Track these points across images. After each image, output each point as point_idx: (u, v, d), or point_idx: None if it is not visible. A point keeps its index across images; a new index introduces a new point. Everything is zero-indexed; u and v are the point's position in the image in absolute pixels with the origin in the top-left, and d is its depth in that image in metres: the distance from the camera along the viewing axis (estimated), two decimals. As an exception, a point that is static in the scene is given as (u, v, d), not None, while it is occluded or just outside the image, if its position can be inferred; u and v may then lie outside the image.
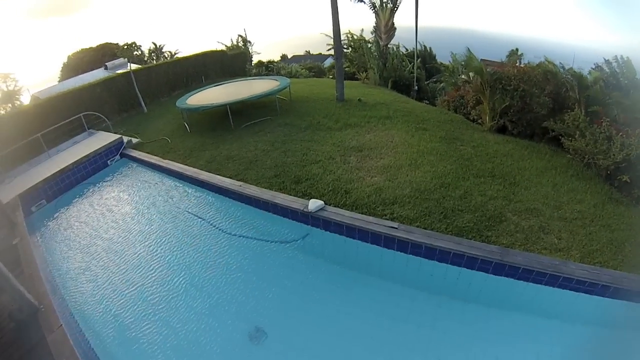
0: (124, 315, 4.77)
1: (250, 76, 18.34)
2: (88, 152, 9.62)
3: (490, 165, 7.15)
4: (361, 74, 17.11)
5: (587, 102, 8.26)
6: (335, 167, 7.03)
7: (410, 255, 4.97)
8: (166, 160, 9.01)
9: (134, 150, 10.23)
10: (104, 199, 8.28)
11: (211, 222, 6.54)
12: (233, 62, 20.66)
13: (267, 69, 22.87)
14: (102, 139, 10.51)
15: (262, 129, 9.80)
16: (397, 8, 16.74)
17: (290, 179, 6.90)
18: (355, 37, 19.73)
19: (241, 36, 23.05)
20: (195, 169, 8.15)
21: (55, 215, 7.91)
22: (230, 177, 7.44)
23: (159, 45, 33.48)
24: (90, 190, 8.86)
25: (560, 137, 8.19)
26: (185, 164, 8.54)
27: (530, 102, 9.33)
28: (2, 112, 21.72)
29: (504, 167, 7.10)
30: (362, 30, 19.40)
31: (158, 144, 10.34)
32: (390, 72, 16.29)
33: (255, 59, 23.62)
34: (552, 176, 6.68)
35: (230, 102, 10.63)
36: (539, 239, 4.94)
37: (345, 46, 20.61)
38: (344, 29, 19.16)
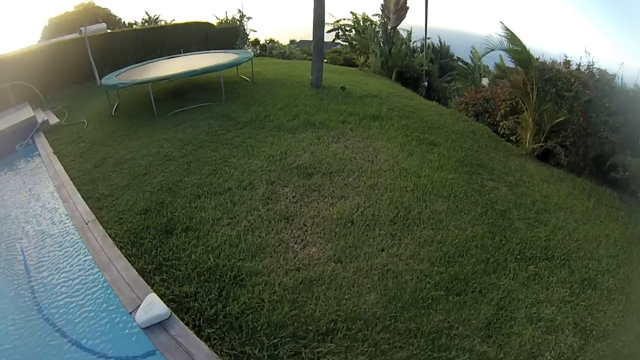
0: None
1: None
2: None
3: (543, 231, 3.86)
4: (359, 58, 13.59)
5: None
6: (245, 210, 3.70)
7: None
8: (53, 157, 5.94)
9: (44, 136, 7.19)
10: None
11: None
12: (220, 36, 17.91)
13: (262, 48, 20.58)
14: (17, 117, 7.75)
15: (189, 120, 6.49)
16: (412, -19, 13.29)
17: (159, 227, 3.57)
18: (359, 17, 16.02)
19: (240, 10, 20.27)
20: (64, 177, 4.91)
21: None
22: (91, 200, 4.17)
23: (153, 16, 29.93)
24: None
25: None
26: (69, 166, 5.39)
27: (596, 120, 6.01)
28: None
29: (566, 237, 3.88)
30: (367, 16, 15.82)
31: (75, 128, 7.29)
32: (396, 60, 12.82)
33: (252, 37, 21.42)
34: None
35: (155, 79, 7.30)
36: None
37: (347, 27, 16.98)
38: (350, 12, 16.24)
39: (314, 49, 8.03)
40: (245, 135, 5.54)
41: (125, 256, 3.31)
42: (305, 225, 3.44)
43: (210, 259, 3.13)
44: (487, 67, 15.51)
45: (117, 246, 3.46)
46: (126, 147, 5.82)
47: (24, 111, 8.31)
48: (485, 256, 3.36)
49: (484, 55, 6.51)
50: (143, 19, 31.85)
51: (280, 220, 3.52)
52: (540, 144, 6.26)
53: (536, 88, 6.13)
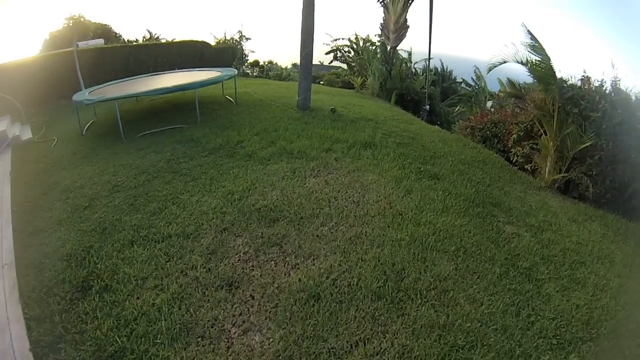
0: None
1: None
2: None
3: (582, 297, 2.91)
4: (356, 79, 12.88)
5: None
6: (179, 269, 2.80)
7: None
8: (7, 178, 5.25)
9: (11, 152, 6.51)
10: None
11: None
12: (217, 56, 17.50)
13: (261, 69, 20.55)
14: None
15: (155, 144, 5.67)
16: (412, 1, 12.76)
17: (75, 281, 2.76)
18: (359, 37, 15.44)
19: (240, 32, 19.93)
20: (6, 204, 4.20)
21: None
22: (22, 234, 3.31)
23: (155, 34, 30.05)
24: None
25: None
26: (18, 189, 4.73)
27: (627, 144, 5.12)
28: None
29: (611, 301, 2.97)
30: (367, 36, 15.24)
31: (43, 146, 6.59)
32: (395, 82, 12.08)
33: (252, 58, 21.04)
34: None
35: (122, 96, 6.60)
36: None
37: (346, 48, 16.41)
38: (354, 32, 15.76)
39: (301, 66, 7.26)
40: (209, 164, 4.64)
41: (25, 319, 2.45)
42: (253, 298, 2.46)
43: (118, 339, 2.19)
44: (490, 90, 14.83)
45: (22, 303, 2.59)
46: (81, 172, 5.00)
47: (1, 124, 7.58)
48: (509, 346, 2.34)
49: (493, 68, 5.63)
50: (144, 37, 31.99)
51: (221, 288, 2.55)
52: (562, 175, 5.29)
53: (557, 108, 5.22)
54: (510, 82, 5.48)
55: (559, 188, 5.52)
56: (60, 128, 7.65)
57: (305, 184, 4.00)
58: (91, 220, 3.63)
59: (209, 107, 7.62)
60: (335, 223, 3.30)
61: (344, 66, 17.45)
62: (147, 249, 3.04)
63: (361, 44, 14.92)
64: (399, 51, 13.60)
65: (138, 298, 2.54)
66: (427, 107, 11.87)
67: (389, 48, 13.37)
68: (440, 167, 4.84)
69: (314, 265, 2.72)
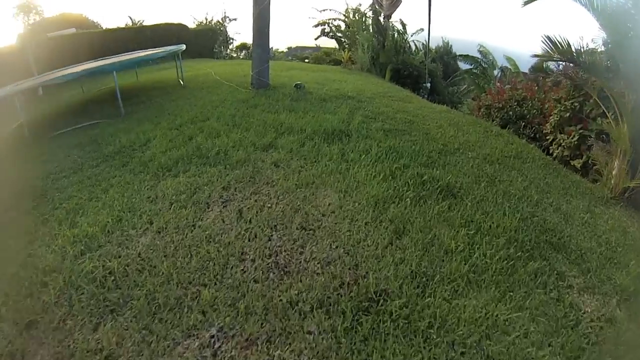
0: None
1: (218, 58, 14.88)
2: None
3: None
4: (344, 52, 10.78)
5: None
6: None
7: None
8: None
9: None
10: None
11: None
12: (195, 39, 15.75)
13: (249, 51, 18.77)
14: None
15: (54, 149, 4.16)
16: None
17: None
18: (349, 8, 12.99)
19: (224, 12, 18.43)
20: None
21: None
22: None
23: (138, 21, 27.67)
24: None
25: None
26: None
27: None
28: None
29: None
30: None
31: None
32: (390, 55, 9.98)
33: (239, 41, 19.42)
34: None
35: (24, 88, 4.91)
36: None
37: (336, 21, 13.92)
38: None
39: (254, 29, 5.22)
40: (87, 181, 2.92)
41: None
42: None
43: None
44: (501, 65, 12.68)
45: None
46: None
47: None
48: None
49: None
50: (127, 24, 29.75)
51: None
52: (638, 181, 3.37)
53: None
54: (553, 43, 3.51)
55: (630, 199, 3.60)
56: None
57: (200, 220, 2.09)
58: None
59: (148, 94, 5.76)
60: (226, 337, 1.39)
61: (334, 43, 15.11)
62: None
63: (351, 15, 12.63)
64: (393, 23, 11.45)
65: None
66: (428, 85, 9.85)
67: (382, 16, 11.24)
68: (455, 171, 2.90)
69: None
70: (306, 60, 15.00)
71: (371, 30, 10.88)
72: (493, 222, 2.27)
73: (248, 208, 2.18)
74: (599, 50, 3.72)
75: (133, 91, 6.32)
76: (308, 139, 3.15)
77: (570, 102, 4.30)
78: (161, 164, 2.88)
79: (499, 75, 11.72)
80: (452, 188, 2.60)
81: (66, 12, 32.06)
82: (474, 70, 12.35)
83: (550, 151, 4.66)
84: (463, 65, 14.21)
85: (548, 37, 3.65)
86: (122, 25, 21.56)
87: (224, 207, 2.22)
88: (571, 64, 3.91)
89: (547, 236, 2.33)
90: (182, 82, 6.50)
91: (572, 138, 4.29)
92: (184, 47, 7.11)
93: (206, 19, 18.47)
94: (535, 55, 3.94)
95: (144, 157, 3.12)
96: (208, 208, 2.21)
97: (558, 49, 3.61)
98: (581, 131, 4.26)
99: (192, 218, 2.13)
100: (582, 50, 3.53)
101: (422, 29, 11.41)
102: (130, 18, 29.75)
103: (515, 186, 2.95)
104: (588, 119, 4.27)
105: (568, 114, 4.35)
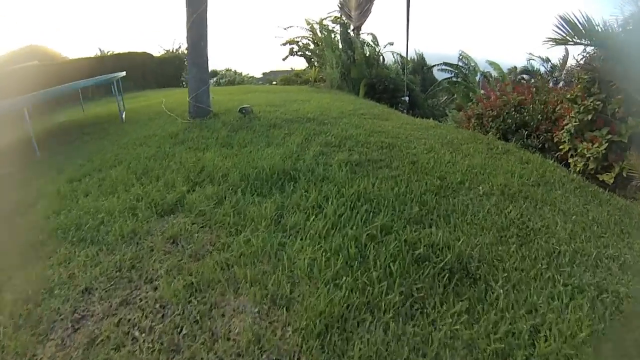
0: None
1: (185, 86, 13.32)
2: None
3: None
4: (312, 72, 9.87)
5: None
6: None
7: None
8: None
9: None
10: None
11: None
12: (161, 67, 15.56)
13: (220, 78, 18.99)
14: None
15: None
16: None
17: None
18: (310, 21, 11.97)
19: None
20: None
21: None
22: None
23: (107, 52, 26.74)
24: None
25: None
26: None
27: None
28: None
29: None
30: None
31: None
32: (362, 69, 9.09)
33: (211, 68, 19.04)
34: None
35: None
36: None
37: (304, 40, 12.93)
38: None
39: (188, 42, 4.16)
40: None
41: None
42: None
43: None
44: (483, 71, 11.96)
45: None
46: None
47: None
48: None
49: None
50: (96, 54, 29.03)
51: None
52: None
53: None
54: (572, 24, 2.56)
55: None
56: None
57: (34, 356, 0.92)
58: None
59: (82, 132, 4.87)
60: None
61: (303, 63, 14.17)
62: None
63: (317, 29, 11.73)
64: (362, 35, 10.66)
65: None
66: (407, 98, 8.95)
67: (351, 28, 10.48)
68: (467, 226, 1.79)
69: None
70: (274, 83, 14.09)
71: (339, 45, 10.02)
72: (552, 328, 1.14)
73: (102, 342, 1.02)
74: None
75: (70, 128, 5.60)
76: (231, 192, 2.03)
77: (591, 100, 3.31)
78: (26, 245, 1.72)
79: (480, 80, 10.95)
80: (467, 263, 1.48)
81: (33, 44, 31.50)
82: (455, 79, 11.57)
83: (570, 164, 3.65)
84: (441, 75, 13.46)
85: (562, 18, 2.68)
86: (85, 56, 20.81)
87: (73, 332, 1.07)
88: (591, 51, 2.94)
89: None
90: (123, 117, 5.34)
91: (600, 147, 3.28)
92: (122, 74, 6.07)
93: (172, 47, 17.91)
94: (550, 40, 2.94)
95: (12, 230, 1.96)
96: (51, 333, 1.06)
97: (577, 31, 2.63)
98: (609, 136, 3.26)
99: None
100: (611, 30, 2.56)
101: (391, 43, 10.59)
102: (100, 49, 28.90)
103: (558, 237, 1.86)
104: (615, 121, 3.30)
105: (590, 116, 3.35)
